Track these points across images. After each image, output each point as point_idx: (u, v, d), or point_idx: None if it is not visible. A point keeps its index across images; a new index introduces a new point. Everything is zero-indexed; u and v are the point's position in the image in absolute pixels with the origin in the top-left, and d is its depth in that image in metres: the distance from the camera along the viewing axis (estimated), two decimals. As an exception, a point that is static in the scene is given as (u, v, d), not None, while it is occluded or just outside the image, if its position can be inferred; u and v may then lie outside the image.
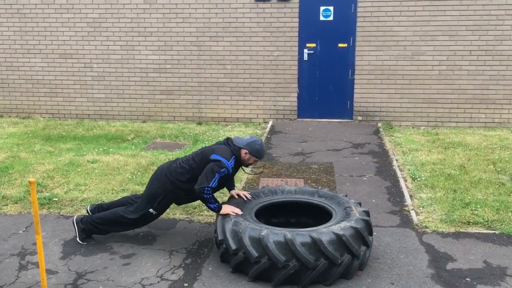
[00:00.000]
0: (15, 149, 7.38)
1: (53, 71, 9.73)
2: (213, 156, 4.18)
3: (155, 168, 6.44)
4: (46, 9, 9.50)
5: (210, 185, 4.08)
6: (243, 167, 4.45)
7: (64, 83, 9.75)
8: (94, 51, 9.55)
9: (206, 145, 7.60)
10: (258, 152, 4.28)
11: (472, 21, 8.66)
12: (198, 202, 5.24)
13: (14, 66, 9.80)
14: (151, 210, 4.38)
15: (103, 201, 5.39)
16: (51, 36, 9.59)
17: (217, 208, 4.15)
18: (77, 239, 4.48)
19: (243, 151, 4.26)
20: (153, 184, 4.41)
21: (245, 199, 4.40)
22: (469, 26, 8.69)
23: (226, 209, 4.15)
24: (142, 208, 4.39)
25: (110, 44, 9.49)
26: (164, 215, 5.06)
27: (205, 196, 4.10)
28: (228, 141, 4.37)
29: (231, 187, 4.56)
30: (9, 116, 9.94)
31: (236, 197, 4.45)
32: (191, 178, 4.27)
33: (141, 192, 5.63)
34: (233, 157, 4.22)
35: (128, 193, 5.63)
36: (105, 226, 4.45)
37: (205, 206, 4.42)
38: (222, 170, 4.12)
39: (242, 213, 4.15)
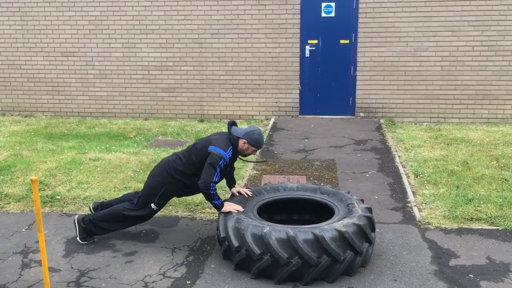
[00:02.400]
0: (17, 148, 7.39)
1: (55, 69, 9.74)
2: (211, 148, 4.14)
3: (157, 165, 6.47)
4: (47, 7, 9.49)
5: (214, 180, 4.07)
6: (240, 156, 4.38)
7: (66, 81, 9.75)
8: (96, 49, 9.55)
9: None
10: (257, 141, 4.22)
11: (474, 17, 8.62)
12: (201, 199, 5.25)
13: (16, 64, 9.81)
14: (152, 205, 4.37)
15: (105, 199, 5.39)
16: (53, 34, 9.59)
17: (220, 205, 4.15)
18: (78, 238, 4.48)
19: (241, 141, 4.21)
20: (153, 179, 4.39)
21: (246, 196, 4.40)
22: (471, 22, 8.65)
23: (228, 206, 4.15)
24: (143, 204, 4.38)
25: (112, 42, 9.48)
26: (166, 213, 5.07)
27: (211, 192, 4.09)
28: (229, 128, 4.30)
29: (231, 184, 4.55)
30: (11, 115, 9.95)
31: (237, 194, 4.44)
32: (190, 170, 4.27)
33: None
34: (230, 147, 4.18)
35: (130, 190, 5.63)
36: (106, 224, 4.44)
37: (208, 203, 4.42)
38: (220, 162, 4.08)
39: (243, 210, 4.15)
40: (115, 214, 4.42)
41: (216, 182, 4.12)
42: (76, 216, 4.53)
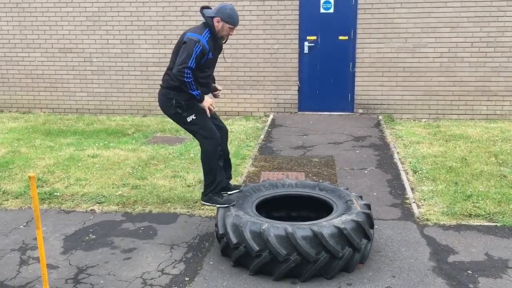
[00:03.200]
0: (16, 144, 7.37)
1: (53, 65, 9.70)
2: (186, 36, 4.00)
3: (156, 162, 6.47)
4: (45, 3, 9.45)
5: (188, 65, 3.89)
6: (219, 40, 4.18)
7: (64, 77, 9.72)
8: (94, 45, 9.51)
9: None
10: (230, 16, 4.04)
11: (473, 13, 8.61)
12: (199, 196, 5.24)
13: (13, 60, 9.77)
14: (189, 118, 4.18)
15: (104, 196, 5.39)
16: (50, 30, 9.55)
17: (199, 96, 4.04)
18: (219, 206, 4.20)
19: (215, 20, 4.03)
20: (165, 109, 4.29)
21: (219, 88, 4.43)
22: (470, 18, 8.63)
23: (208, 100, 4.10)
24: (188, 126, 4.23)
25: (110, 38, 9.45)
26: (165, 209, 5.07)
27: (185, 79, 3.92)
28: (201, 12, 4.14)
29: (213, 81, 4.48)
30: (9, 111, 9.92)
31: (219, 88, 4.52)
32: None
33: (143, 185, 5.64)
34: (207, 29, 4.02)
35: (128, 187, 5.63)
36: (208, 167, 4.26)
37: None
38: (196, 46, 3.90)
39: (214, 108, 4.22)
40: (203, 161, 4.27)
41: (191, 69, 3.91)
42: (200, 201, 4.48)
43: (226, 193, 4.35)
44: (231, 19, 4.07)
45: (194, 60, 3.92)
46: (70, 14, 9.43)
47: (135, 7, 9.26)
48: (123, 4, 9.28)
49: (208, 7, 4.22)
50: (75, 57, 9.60)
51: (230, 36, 4.26)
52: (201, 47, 3.96)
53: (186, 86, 3.99)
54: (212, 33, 4.07)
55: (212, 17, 4.05)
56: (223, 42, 4.29)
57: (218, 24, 4.05)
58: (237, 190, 4.43)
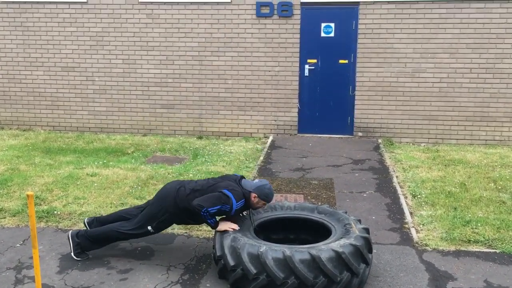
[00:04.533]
0: (15, 162, 7.37)
1: (55, 84, 9.77)
2: (225, 191, 4.16)
3: (155, 182, 6.45)
4: (49, 23, 9.57)
5: (208, 209, 4.06)
6: (251, 210, 4.42)
7: (66, 96, 9.78)
8: (96, 65, 9.60)
9: (206, 159, 7.61)
10: (267, 196, 4.28)
11: (472, 39, 8.71)
12: (197, 217, 5.22)
13: (16, 78, 9.84)
14: (149, 227, 4.35)
15: (101, 215, 5.36)
16: (54, 49, 9.65)
17: (213, 224, 4.14)
18: (72, 254, 4.44)
19: (252, 195, 4.25)
20: (158, 203, 4.36)
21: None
22: (469, 44, 8.73)
23: (223, 225, 4.14)
24: (140, 224, 4.36)
25: (112, 58, 9.54)
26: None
27: (202, 213, 4.08)
28: (239, 181, 4.35)
29: None
30: (10, 128, 9.95)
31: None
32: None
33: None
34: (243, 200, 4.22)
35: (127, 207, 5.60)
36: (101, 240, 4.43)
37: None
38: (225, 206, 4.11)
39: (238, 228, 4.13)
40: (111, 232, 4.41)
41: (209, 212, 4.07)
42: (70, 231, 4.51)
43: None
44: (267, 198, 4.31)
45: (215, 210, 4.10)
46: (74, 34, 9.53)
47: (138, 28, 9.37)
48: (126, 25, 9.39)
49: (243, 177, 4.45)
50: (77, 75, 9.67)
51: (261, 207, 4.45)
52: (227, 210, 4.16)
53: (202, 218, 4.13)
54: (246, 205, 4.30)
55: (250, 191, 4.26)
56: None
57: (254, 199, 4.27)
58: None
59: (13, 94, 9.90)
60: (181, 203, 4.26)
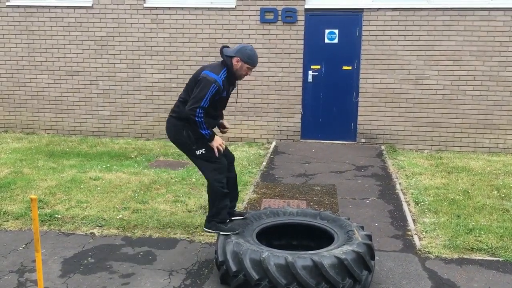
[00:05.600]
0: (18, 165, 7.40)
1: (59, 87, 9.81)
2: (203, 73, 4.01)
3: (158, 186, 6.47)
4: (54, 27, 9.62)
5: (201, 105, 3.91)
6: (236, 79, 4.21)
7: (70, 99, 9.82)
8: (101, 69, 9.64)
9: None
10: (250, 57, 4.07)
11: (476, 47, 8.72)
12: (200, 221, 5.21)
13: (20, 82, 9.89)
14: (198, 152, 4.16)
15: (104, 219, 5.38)
16: (58, 53, 9.69)
17: (209, 136, 4.05)
18: (223, 233, 4.16)
19: (234, 59, 4.06)
20: (175, 139, 4.28)
21: (227, 126, 4.38)
22: (473, 52, 8.74)
23: (217, 139, 4.09)
24: (196, 162, 4.23)
25: (117, 62, 9.58)
26: (165, 234, 5.04)
27: (197, 119, 3.94)
28: (221, 50, 4.15)
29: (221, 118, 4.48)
30: (14, 132, 9.98)
31: (226, 125, 4.52)
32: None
33: (143, 209, 5.62)
34: (224, 69, 4.03)
35: (129, 211, 5.62)
36: (214, 199, 4.25)
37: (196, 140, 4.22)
38: (212, 86, 3.93)
39: (225, 146, 4.18)
40: (209, 193, 4.26)
41: (204, 108, 3.92)
42: (203, 227, 4.42)
43: (230, 219, 4.33)
44: (251, 60, 4.12)
45: (208, 100, 3.96)
46: (79, 38, 9.58)
47: (143, 33, 9.42)
48: (131, 30, 9.44)
49: (227, 46, 4.28)
50: (81, 80, 9.71)
51: (247, 75, 4.30)
52: (216, 88, 3.99)
53: (197, 125, 4.02)
54: (229, 72, 4.11)
55: (231, 57, 4.10)
56: (238, 80, 4.34)
57: (237, 64, 4.09)
58: (241, 217, 4.41)
59: (17, 98, 9.95)
60: (179, 115, 4.15)
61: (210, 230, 4.30)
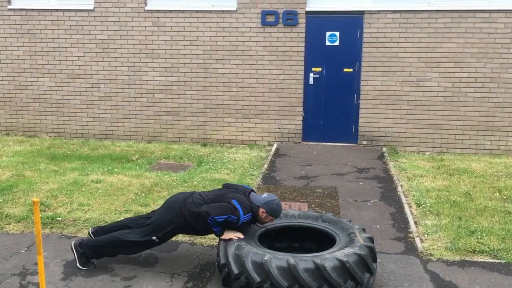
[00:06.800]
0: (20, 168, 7.41)
1: (61, 90, 9.83)
2: (234, 202, 4.15)
3: (159, 189, 6.46)
4: (56, 30, 9.64)
5: (215, 217, 4.04)
6: (257, 223, 4.38)
7: (71, 102, 9.83)
8: (102, 72, 9.65)
9: (211, 167, 7.62)
10: (275, 211, 4.26)
11: (477, 49, 8.72)
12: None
13: (22, 85, 9.91)
14: (154, 238, 4.32)
15: (106, 222, 5.37)
16: (60, 56, 9.71)
17: (219, 232, 4.13)
18: (77, 264, 4.42)
19: (260, 210, 4.24)
20: (164, 214, 4.34)
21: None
22: (474, 54, 8.74)
23: (228, 234, 4.12)
24: (145, 234, 4.32)
25: (118, 65, 9.60)
26: (166, 237, 5.03)
27: (208, 221, 4.07)
28: (249, 194, 4.33)
29: None
30: (15, 135, 10.00)
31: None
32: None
33: (145, 212, 5.62)
34: (251, 214, 4.20)
35: (131, 214, 5.62)
36: (105, 249, 4.39)
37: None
38: (233, 218, 4.09)
39: (243, 236, 4.12)
40: (115, 241, 4.36)
41: (216, 221, 4.05)
42: (73, 241, 4.49)
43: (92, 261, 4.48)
44: (275, 213, 4.29)
45: (222, 220, 4.09)
46: (80, 41, 9.60)
47: (144, 35, 9.43)
48: (132, 33, 9.45)
49: (253, 191, 4.44)
50: (83, 82, 9.73)
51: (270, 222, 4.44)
52: (234, 221, 4.14)
53: (208, 225, 4.12)
54: (253, 217, 4.28)
55: (258, 206, 4.26)
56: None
57: (262, 214, 4.27)
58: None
59: (19, 100, 9.97)
60: (189, 216, 4.22)
61: (75, 251, 4.42)
